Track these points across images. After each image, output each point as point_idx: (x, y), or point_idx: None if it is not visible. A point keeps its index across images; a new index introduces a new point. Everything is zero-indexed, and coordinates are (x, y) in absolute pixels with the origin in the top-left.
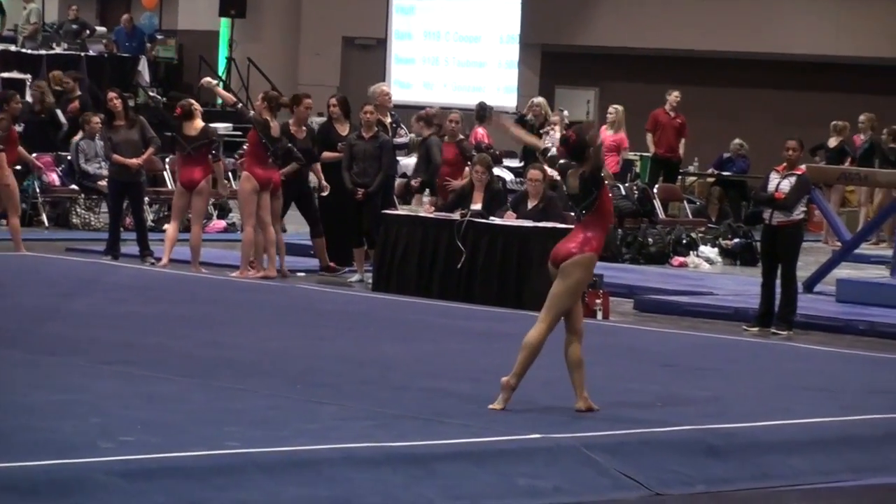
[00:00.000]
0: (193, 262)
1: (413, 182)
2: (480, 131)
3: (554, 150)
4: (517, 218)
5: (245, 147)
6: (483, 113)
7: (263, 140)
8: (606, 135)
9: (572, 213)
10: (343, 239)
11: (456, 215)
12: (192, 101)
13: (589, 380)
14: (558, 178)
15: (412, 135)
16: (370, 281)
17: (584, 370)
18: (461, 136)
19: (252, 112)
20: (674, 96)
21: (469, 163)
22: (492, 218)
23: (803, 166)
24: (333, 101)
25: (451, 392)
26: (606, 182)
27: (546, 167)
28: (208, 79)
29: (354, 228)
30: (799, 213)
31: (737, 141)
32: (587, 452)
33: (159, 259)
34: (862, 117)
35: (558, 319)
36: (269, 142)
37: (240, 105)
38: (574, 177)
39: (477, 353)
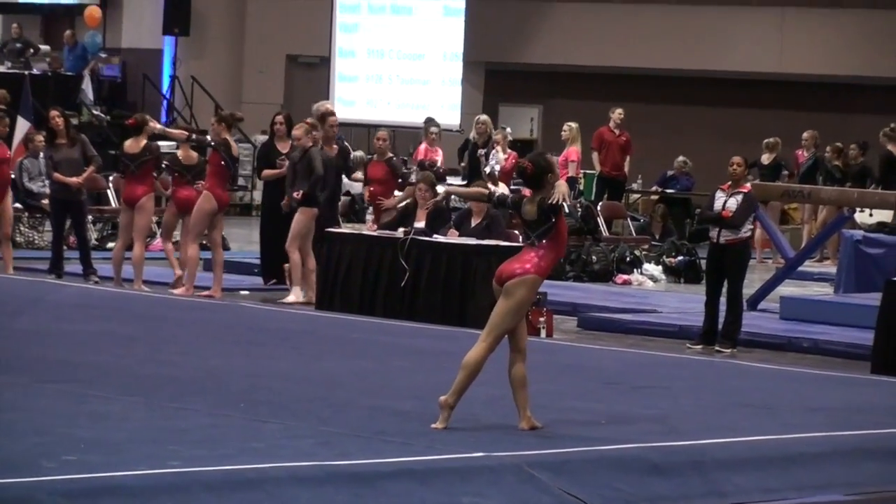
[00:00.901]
0: (136, 280)
1: (294, 194)
2: (422, 148)
3: (498, 187)
4: (460, 235)
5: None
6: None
7: (225, 161)
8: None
9: (526, 239)
10: (279, 255)
11: (399, 233)
12: (148, 118)
13: (532, 397)
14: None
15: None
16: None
17: (527, 389)
18: (390, 154)
19: (209, 136)
20: (617, 114)
21: (399, 180)
22: (435, 236)
23: (748, 184)
24: (280, 118)
25: (394, 410)
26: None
27: (490, 185)
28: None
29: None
30: (746, 230)
31: (680, 158)
32: (530, 471)
33: (104, 278)
34: (805, 134)
35: (500, 339)
36: (230, 161)
37: (194, 136)
38: (531, 203)
39: (420, 371)
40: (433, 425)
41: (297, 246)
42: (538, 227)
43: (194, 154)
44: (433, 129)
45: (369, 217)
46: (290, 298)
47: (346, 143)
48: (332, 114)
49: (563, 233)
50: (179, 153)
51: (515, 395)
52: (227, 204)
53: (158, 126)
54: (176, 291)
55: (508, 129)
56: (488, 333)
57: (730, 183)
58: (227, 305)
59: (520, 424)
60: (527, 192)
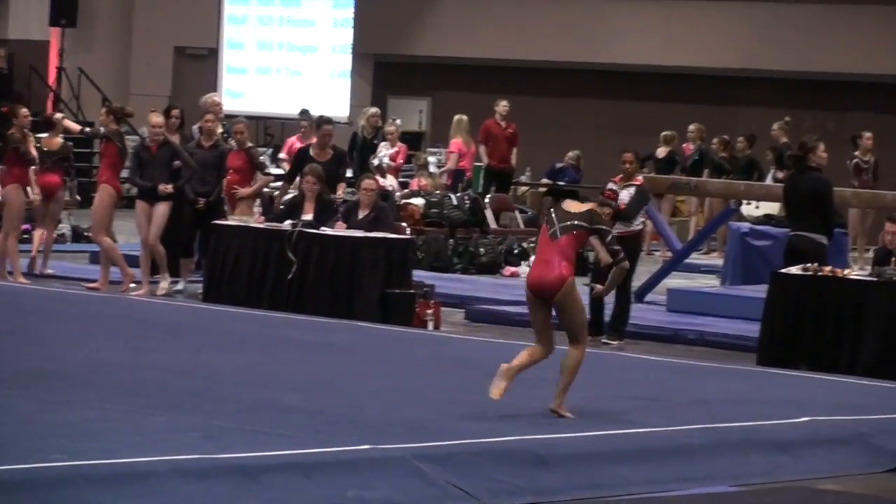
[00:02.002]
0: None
1: (162, 187)
2: (291, 140)
3: (386, 179)
4: (348, 228)
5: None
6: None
7: (120, 152)
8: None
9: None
10: (171, 249)
11: (287, 225)
12: (61, 116)
13: (419, 390)
14: (390, 188)
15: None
16: (199, 291)
17: (572, 377)
18: (250, 144)
19: (102, 128)
20: (502, 106)
21: (259, 170)
22: (323, 228)
23: (640, 177)
24: (176, 112)
25: (280, 403)
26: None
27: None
28: (59, 115)
29: (184, 238)
30: (638, 223)
31: (573, 153)
32: (416, 463)
33: None
34: (691, 127)
35: (586, 335)
36: (125, 152)
37: (87, 130)
38: (576, 206)
39: (306, 363)
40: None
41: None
42: (567, 220)
43: (58, 140)
44: (304, 121)
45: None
46: (163, 285)
47: (340, 148)
48: (330, 122)
49: (583, 242)
50: (43, 139)
51: (561, 376)
52: (121, 195)
53: (74, 126)
54: (136, 292)
55: (399, 121)
56: (576, 338)
57: (621, 176)
58: (113, 298)
59: (552, 404)
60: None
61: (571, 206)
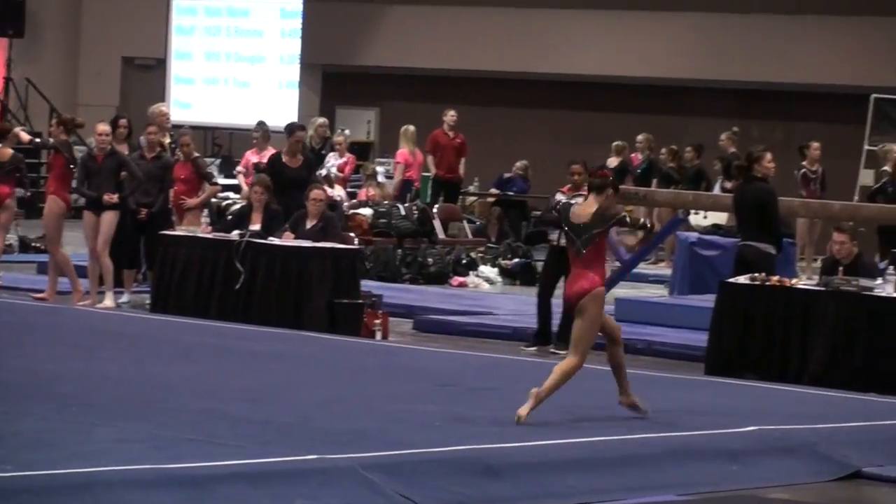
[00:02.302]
0: None
1: (107, 197)
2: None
3: (335, 189)
4: (296, 238)
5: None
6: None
7: (69, 163)
8: (398, 152)
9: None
10: (115, 260)
11: (234, 235)
12: (10, 126)
13: (367, 399)
14: (339, 198)
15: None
16: (146, 302)
17: (624, 370)
18: (196, 155)
19: (51, 139)
20: (450, 116)
21: (206, 181)
22: (270, 238)
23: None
24: (124, 122)
25: (227, 413)
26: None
27: (326, 188)
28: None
29: (127, 249)
30: None
31: (520, 163)
32: (364, 473)
33: None
34: (640, 137)
35: (587, 352)
36: (74, 163)
37: (37, 140)
38: (588, 206)
39: (254, 374)
40: (518, 410)
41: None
42: (585, 233)
43: (9, 151)
44: (255, 133)
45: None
46: (107, 303)
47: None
48: (302, 128)
49: (605, 245)
50: None
51: (615, 375)
52: (70, 207)
53: (25, 137)
54: (82, 303)
55: (347, 132)
56: (575, 347)
57: (570, 186)
58: (61, 309)
59: (620, 399)
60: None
61: (581, 214)
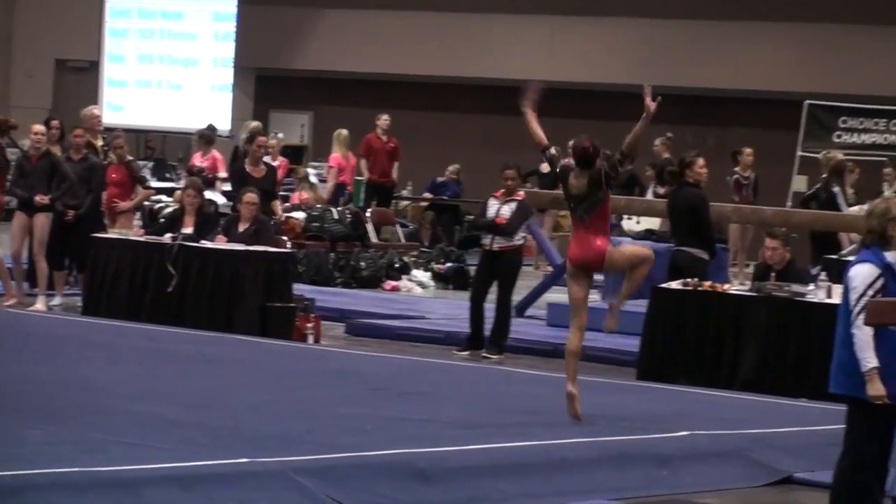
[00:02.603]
0: None
1: (38, 198)
2: (199, 157)
3: None
4: (228, 241)
5: None
6: (212, 136)
7: (2, 164)
8: (332, 156)
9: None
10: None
11: (167, 239)
12: None
13: (299, 402)
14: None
15: None
16: (78, 304)
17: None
18: (130, 158)
19: None
20: (383, 120)
21: (140, 184)
22: (203, 241)
23: (522, 192)
24: (55, 123)
25: (159, 416)
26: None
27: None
28: None
29: (57, 251)
30: (519, 238)
31: (453, 166)
32: (296, 477)
33: None
34: (571, 142)
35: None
36: (7, 165)
37: None
38: (579, 177)
39: (186, 376)
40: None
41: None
42: (585, 200)
43: None
44: (198, 136)
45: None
46: (38, 306)
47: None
48: (262, 133)
49: (608, 208)
50: None
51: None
52: (2, 209)
53: None
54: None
55: (281, 135)
56: (637, 265)
57: (503, 191)
58: None
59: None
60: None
61: (577, 183)
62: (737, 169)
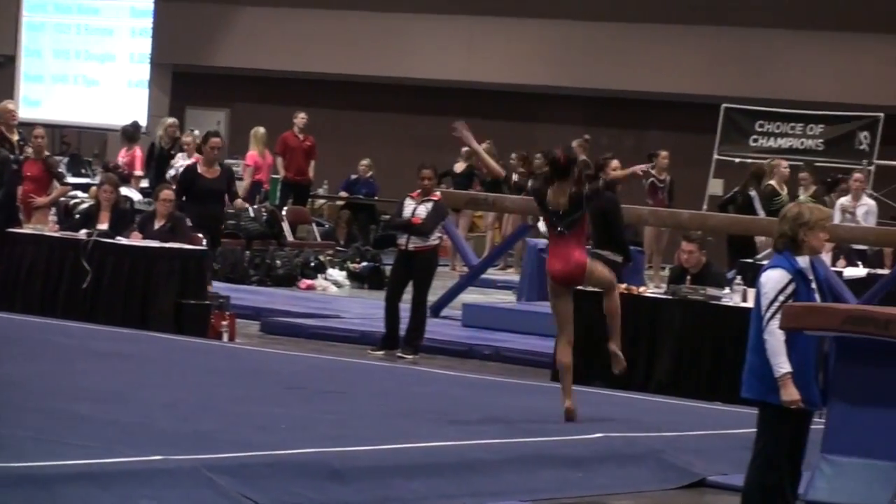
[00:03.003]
0: None
1: None
2: (123, 153)
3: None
4: (144, 238)
5: None
6: (135, 133)
7: None
8: (248, 154)
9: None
10: None
11: (82, 234)
12: None
13: (213, 401)
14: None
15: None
16: None
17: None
18: (47, 153)
19: None
20: (300, 118)
21: (57, 180)
22: (118, 238)
23: (438, 192)
24: None
25: (73, 413)
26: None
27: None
28: None
29: None
30: (435, 238)
31: (365, 161)
32: (209, 474)
33: None
34: (484, 145)
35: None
36: None
37: None
38: (560, 194)
39: (100, 373)
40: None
41: None
42: (567, 217)
43: None
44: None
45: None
46: None
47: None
48: (216, 134)
49: (587, 221)
50: None
51: (609, 322)
52: None
53: None
54: None
55: (196, 132)
56: (607, 289)
57: (420, 191)
58: None
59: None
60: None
61: (557, 203)
62: (652, 171)
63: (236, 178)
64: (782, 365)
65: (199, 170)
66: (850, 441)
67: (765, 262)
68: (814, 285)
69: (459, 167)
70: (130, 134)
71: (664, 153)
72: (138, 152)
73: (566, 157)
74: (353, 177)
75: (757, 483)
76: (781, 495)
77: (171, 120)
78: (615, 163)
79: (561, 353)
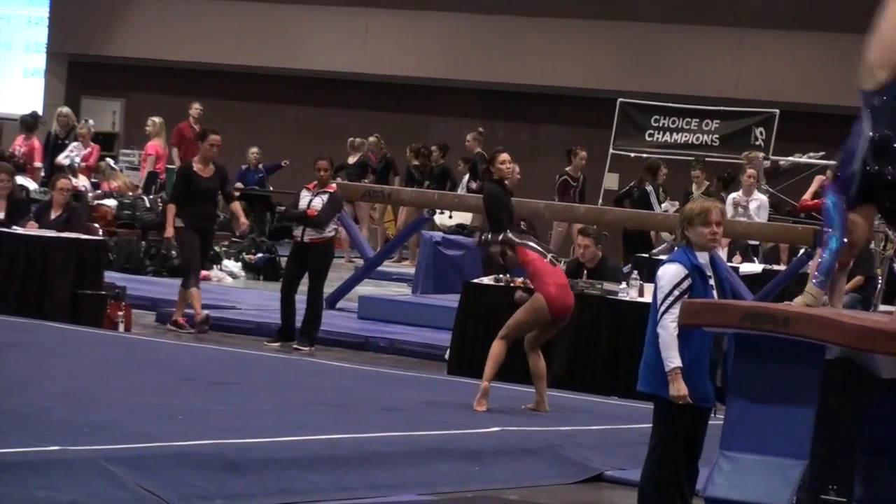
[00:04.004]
0: None
1: None
2: (20, 142)
3: (78, 179)
4: (40, 228)
5: None
6: (35, 123)
7: None
8: (150, 143)
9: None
10: None
11: None
12: None
13: (109, 392)
14: (83, 188)
15: None
16: None
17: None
18: None
19: None
20: (195, 108)
21: None
22: (14, 227)
23: (334, 184)
24: None
25: None
26: None
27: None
28: None
29: None
30: (331, 230)
31: (254, 149)
32: (106, 465)
33: None
34: (371, 138)
35: None
36: None
37: None
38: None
39: None
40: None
41: None
42: (551, 252)
43: None
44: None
45: None
46: None
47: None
48: (215, 131)
49: None
50: None
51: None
52: None
53: None
54: None
55: (91, 122)
56: (537, 346)
57: (315, 182)
58: None
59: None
60: None
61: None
62: (568, 169)
63: (132, 167)
64: (672, 359)
65: (195, 168)
66: (749, 437)
67: (661, 257)
68: (712, 282)
69: (352, 159)
70: (29, 124)
71: (583, 153)
72: (37, 143)
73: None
74: (244, 167)
75: (653, 478)
76: (679, 491)
77: (65, 109)
78: (503, 156)
79: (497, 347)
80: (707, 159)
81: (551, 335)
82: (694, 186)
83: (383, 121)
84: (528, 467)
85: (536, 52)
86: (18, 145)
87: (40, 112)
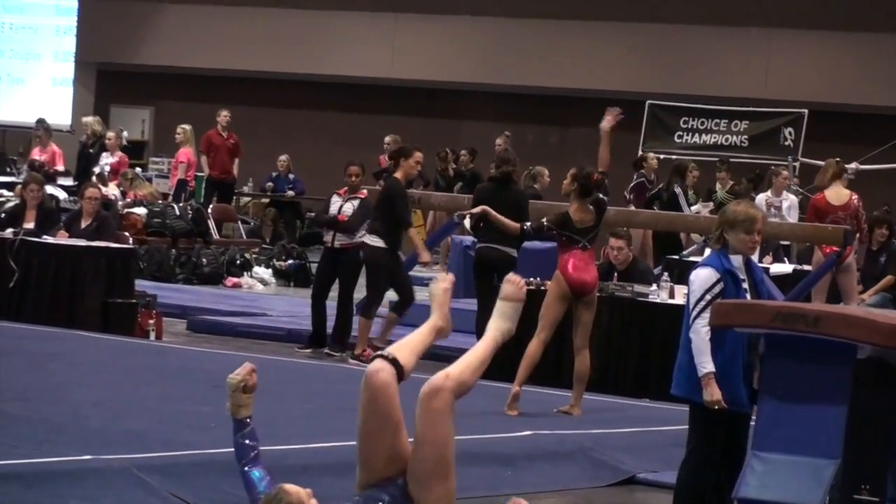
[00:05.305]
0: None
1: None
2: (37, 152)
3: (108, 187)
4: (70, 237)
5: None
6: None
7: None
8: (181, 151)
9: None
10: None
11: (8, 233)
12: None
13: (142, 400)
14: (113, 197)
15: None
16: None
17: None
18: None
19: None
20: (223, 116)
21: None
22: (45, 237)
23: (365, 190)
24: None
25: (1, 412)
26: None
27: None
28: None
29: None
30: (361, 235)
31: (283, 157)
32: (139, 474)
33: None
34: (387, 139)
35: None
36: None
37: None
38: (583, 211)
39: (28, 372)
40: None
41: None
42: (590, 233)
43: None
44: (38, 130)
45: None
46: None
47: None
48: (419, 149)
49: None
50: None
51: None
52: None
53: None
54: None
55: (125, 133)
56: (586, 339)
57: (346, 188)
58: None
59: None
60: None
61: (583, 214)
62: (643, 171)
63: (162, 175)
64: (705, 364)
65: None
66: (781, 438)
67: (692, 259)
68: (745, 286)
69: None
70: (41, 135)
71: (652, 155)
72: (56, 149)
73: (599, 179)
74: (274, 174)
75: (689, 484)
76: (718, 496)
77: (90, 119)
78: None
79: (533, 346)
80: (736, 160)
81: (586, 321)
82: (718, 186)
83: (413, 126)
84: (561, 470)
85: (565, 55)
86: (37, 154)
87: (69, 121)
